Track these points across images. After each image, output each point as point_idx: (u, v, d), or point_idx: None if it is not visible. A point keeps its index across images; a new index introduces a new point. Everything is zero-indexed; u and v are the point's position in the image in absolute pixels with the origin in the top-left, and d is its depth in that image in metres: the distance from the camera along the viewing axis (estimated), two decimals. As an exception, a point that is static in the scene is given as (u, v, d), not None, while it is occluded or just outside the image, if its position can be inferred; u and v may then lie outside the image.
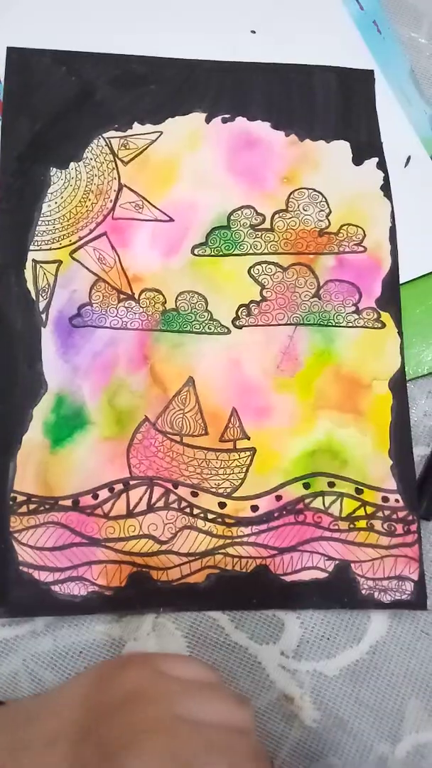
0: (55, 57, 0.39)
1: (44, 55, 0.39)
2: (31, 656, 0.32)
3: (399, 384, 0.36)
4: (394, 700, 0.33)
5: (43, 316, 0.36)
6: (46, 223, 0.37)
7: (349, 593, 0.33)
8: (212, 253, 0.37)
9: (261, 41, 0.42)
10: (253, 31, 0.42)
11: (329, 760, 0.32)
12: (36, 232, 0.37)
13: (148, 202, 0.38)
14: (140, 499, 0.34)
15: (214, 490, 0.34)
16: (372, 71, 0.42)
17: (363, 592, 0.33)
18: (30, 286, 0.36)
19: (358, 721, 0.32)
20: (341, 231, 0.38)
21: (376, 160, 0.40)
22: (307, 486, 0.35)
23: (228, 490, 0.34)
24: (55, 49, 0.39)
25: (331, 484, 0.35)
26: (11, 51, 0.39)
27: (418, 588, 0.33)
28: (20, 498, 0.33)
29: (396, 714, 0.32)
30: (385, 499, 0.34)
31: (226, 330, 0.36)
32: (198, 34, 0.42)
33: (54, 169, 0.38)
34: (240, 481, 0.34)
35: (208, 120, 0.39)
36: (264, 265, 0.37)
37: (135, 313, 0.36)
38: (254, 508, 0.34)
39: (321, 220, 0.38)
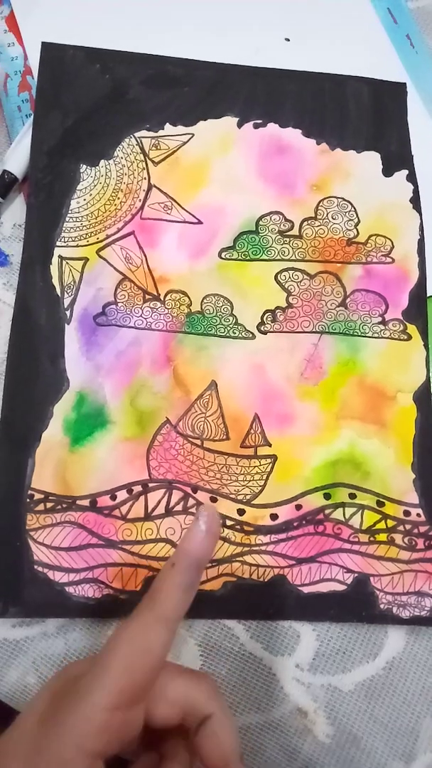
0: (89, 54, 0.39)
1: (78, 51, 0.39)
2: (42, 658, 0.32)
3: (424, 397, 0.36)
4: (409, 718, 0.32)
5: (68, 312, 0.35)
6: (74, 219, 0.37)
7: (367, 607, 0.33)
8: (239, 258, 0.37)
9: (295, 49, 0.42)
10: (288, 39, 0.42)
11: (342, 778, 0.31)
12: (63, 229, 0.36)
13: (177, 203, 0.38)
14: (158, 502, 0.33)
15: (233, 496, 0.34)
16: (404, 84, 0.42)
17: (381, 606, 0.33)
18: (55, 282, 0.36)
19: (372, 739, 0.32)
20: (369, 241, 0.38)
21: (406, 172, 0.40)
22: (327, 496, 0.34)
23: (247, 497, 0.34)
24: (89, 46, 0.39)
25: (353, 496, 0.34)
26: (46, 46, 0.39)
27: (437, 604, 0.33)
28: (37, 496, 0.32)
29: (410, 732, 0.32)
30: (407, 513, 0.34)
31: (250, 335, 0.36)
32: (232, 39, 0.42)
33: (84, 166, 0.37)
34: (260, 488, 0.34)
35: (240, 124, 0.39)
36: (291, 272, 0.37)
37: (160, 314, 0.36)
38: (273, 516, 0.34)
39: (349, 230, 0.38)
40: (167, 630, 0.24)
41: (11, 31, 0.41)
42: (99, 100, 0.38)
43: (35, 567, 0.32)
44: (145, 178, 0.38)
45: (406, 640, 0.33)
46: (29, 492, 0.32)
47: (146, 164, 0.38)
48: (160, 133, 0.38)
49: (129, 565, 0.32)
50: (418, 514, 0.34)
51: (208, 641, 0.32)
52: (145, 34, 0.41)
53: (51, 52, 0.39)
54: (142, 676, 0.23)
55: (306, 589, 0.33)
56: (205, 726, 0.23)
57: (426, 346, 0.37)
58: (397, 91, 0.42)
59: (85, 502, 0.33)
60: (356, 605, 0.33)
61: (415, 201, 0.39)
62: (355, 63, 0.42)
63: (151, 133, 0.38)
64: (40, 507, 0.32)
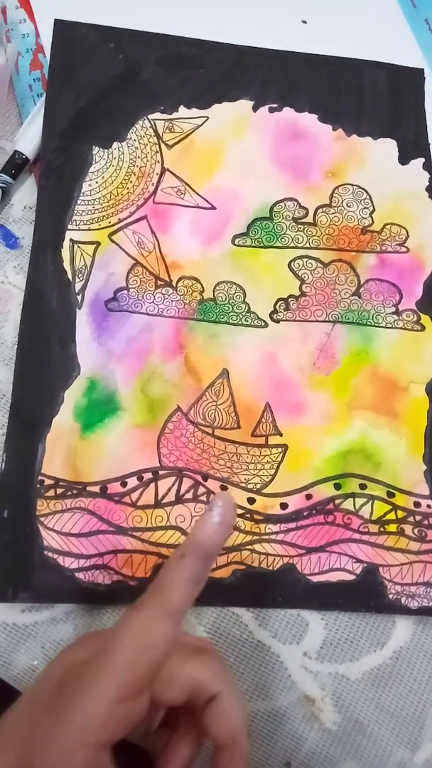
0: (102, 32, 0.38)
1: (92, 29, 0.38)
2: (51, 643, 0.32)
3: (436, 388, 0.36)
4: (416, 707, 0.32)
5: (79, 297, 0.35)
6: (86, 202, 0.36)
7: (376, 597, 0.33)
8: (253, 244, 0.37)
9: (311, 32, 0.41)
10: (305, 21, 0.41)
11: (347, 764, 0.31)
12: (75, 212, 0.36)
13: (191, 188, 0.37)
14: (169, 489, 0.33)
15: (243, 485, 0.34)
16: (422, 70, 0.41)
17: (390, 596, 0.33)
18: (66, 266, 0.35)
19: (378, 727, 0.32)
20: (384, 230, 0.38)
21: (422, 160, 0.39)
22: (338, 486, 0.34)
23: (258, 486, 0.34)
24: (103, 24, 0.38)
25: (363, 486, 0.34)
26: (58, 24, 0.38)
27: (446, 596, 0.33)
28: (48, 481, 0.32)
29: (417, 721, 0.32)
30: (417, 504, 0.34)
31: (263, 323, 0.36)
32: (248, 21, 0.41)
33: (96, 148, 0.37)
34: (270, 477, 0.34)
35: (255, 108, 0.39)
36: (305, 260, 0.37)
37: (172, 301, 0.35)
38: (284, 505, 0.34)
39: (364, 218, 0.38)
40: (174, 623, 0.23)
41: (23, 7, 0.40)
42: (112, 80, 0.38)
43: (45, 552, 0.32)
44: (158, 162, 0.37)
45: (414, 630, 0.33)
46: (39, 478, 0.32)
47: (159, 147, 0.37)
48: (174, 115, 0.38)
49: (139, 552, 0.32)
50: (429, 506, 0.34)
51: (217, 629, 0.32)
52: (159, 13, 0.40)
53: (64, 29, 0.38)
54: (147, 670, 0.23)
55: (315, 578, 0.33)
56: (212, 705, 0.24)
57: (439, 337, 0.36)
58: (415, 77, 0.41)
59: (96, 489, 0.33)
60: (365, 595, 0.33)
61: (431, 190, 0.39)
62: (373, 47, 0.41)
63: (165, 116, 0.38)
64: (51, 493, 0.32)
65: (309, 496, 0.34)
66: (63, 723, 0.22)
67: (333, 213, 0.38)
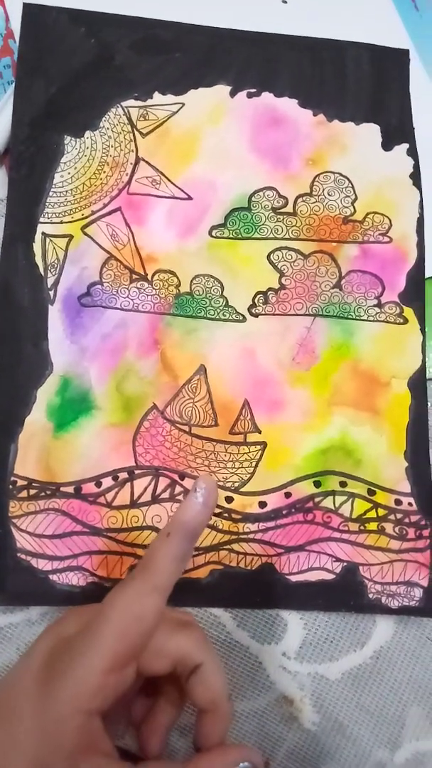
0: (73, 16, 0.37)
1: (62, 13, 0.37)
2: (26, 645, 0.31)
3: (419, 383, 0.35)
4: (396, 706, 0.32)
5: (51, 293, 0.34)
6: (58, 194, 0.35)
7: (356, 596, 0.32)
8: (231, 236, 0.36)
9: (292, 13, 0.40)
10: (285, 1, 0.40)
11: (326, 765, 0.31)
12: (47, 204, 0.35)
13: (166, 177, 0.36)
14: (145, 489, 0.33)
15: (221, 483, 0.33)
16: (407, 51, 0.40)
17: (370, 596, 0.32)
18: (38, 260, 0.34)
19: (357, 727, 0.32)
20: (366, 219, 0.37)
21: (406, 146, 0.38)
22: (317, 484, 0.33)
23: (236, 485, 0.33)
24: (74, 8, 0.37)
25: (343, 484, 0.33)
26: (27, 7, 0.37)
27: (427, 595, 0.32)
28: (20, 482, 0.32)
29: (397, 721, 0.32)
30: (398, 502, 0.33)
31: (241, 318, 0.35)
32: (226, 2, 0.39)
33: (68, 138, 0.36)
34: (249, 475, 0.33)
35: (232, 93, 0.37)
36: (284, 251, 0.36)
37: (147, 295, 0.35)
38: (262, 504, 0.33)
39: (346, 207, 0.37)
40: (161, 598, 0.25)
41: (-9, -9, 0.38)
42: (84, 66, 0.36)
43: (18, 555, 0.31)
44: (132, 151, 0.36)
45: (395, 630, 0.33)
46: (12, 478, 0.32)
47: (134, 136, 0.36)
48: (149, 102, 0.37)
49: (114, 553, 0.32)
50: (410, 503, 0.33)
51: (195, 629, 0.32)
52: (133, -6, 0.38)
53: (33, 14, 0.37)
54: (135, 641, 0.24)
55: (294, 578, 0.32)
56: (195, 674, 0.25)
57: (423, 330, 0.35)
58: (399, 58, 0.39)
59: (70, 489, 0.32)
60: (345, 594, 0.32)
61: (416, 177, 0.37)
62: (356, 28, 0.39)
63: (139, 103, 0.36)
64: (23, 494, 0.32)
65: (288, 495, 0.33)
66: (56, 692, 0.23)
67: (314, 202, 0.36)
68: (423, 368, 0.35)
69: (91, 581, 0.31)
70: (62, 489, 0.32)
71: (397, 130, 0.38)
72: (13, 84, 0.36)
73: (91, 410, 0.33)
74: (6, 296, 0.34)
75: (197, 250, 0.35)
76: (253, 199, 0.36)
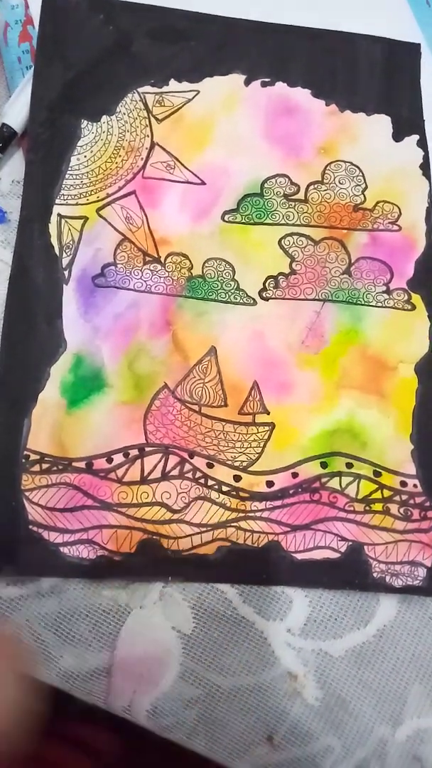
0: (93, 3, 0.38)
1: (82, 0, 0.37)
2: (35, 616, 0.32)
3: (425, 368, 0.35)
4: (398, 684, 0.32)
5: (66, 272, 0.35)
6: (74, 177, 0.36)
7: (360, 575, 0.33)
8: (243, 221, 0.36)
9: (306, 5, 0.41)
10: (299, -7, 0.41)
11: (329, 739, 0.31)
12: (63, 186, 0.35)
13: (181, 163, 0.37)
14: (155, 466, 0.33)
15: (230, 462, 0.34)
16: (419, 45, 0.40)
17: (374, 575, 0.33)
18: (54, 240, 0.35)
19: (360, 703, 0.32)
20: (376, 207, 0.37)
21: (416, 137, 0.39)
22: (324, 465, 0.34)
23: (244, 464, 0.34)
24: (94, -5, 0.38)
25: (349, 465, 0.34)
26: (47, -6, 0.37)
27: (430, 574, 0.33)
28: (33, 456, 0.32)
29: (398, 698, 0.32)
30: (404, 484, 0.34)
31: (252, 301, 0.35)
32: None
33: (85, 122, 0.36)
34: (257, 455, 0.34)
35: (247, 82, 0.38)
36: (295, 237, 0.36)
37: (160, 277, 0.35)
38: (269, 483, 0.34)
39: (356, 195, 0.37)
40: None
41: (12, -23, 0.39)
42: (102, 52, 0.37)
43: (30, 527, 0.32)
44: (147, 136, 0.37)
45: (398, 609, 0.33)
46: (25, 453, 0.32)
47: (149, 121, 0.37)
48: (165, 89, 0.37)
49: (124, 528, 0.32)
50: (415, 485, 0.34)
51: (202, 604, 0.32)
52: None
53: (53, 0, 0.37)
54: None
55: (300, 556, 0.33)
56: None
57: (430, 316, 0.36)
58: (411, 51, 0.40)
59: (82, 464, 0.33)
60: (349, 573, 0.33)
61: (425, 167, 0.38)
62: (368, 21, 0.40)
63: (155, 89, 0.37)
64: (36, 468, 0.32)
65: (295, 474, 0.34)
66: None
67: (325, 190, 0.37)
68: (430, 353, 0.35)
69: (101, 554, 0.32)
70: (74, 464, 0.33)
71: (408, 122, 0.39)
72: (32, 68, 0.37)
73: (103, 388, 0.34)
74: (21, 275, 0.34)
75: (210, 234, 0.36)
76: (265, 185, 0.37)
